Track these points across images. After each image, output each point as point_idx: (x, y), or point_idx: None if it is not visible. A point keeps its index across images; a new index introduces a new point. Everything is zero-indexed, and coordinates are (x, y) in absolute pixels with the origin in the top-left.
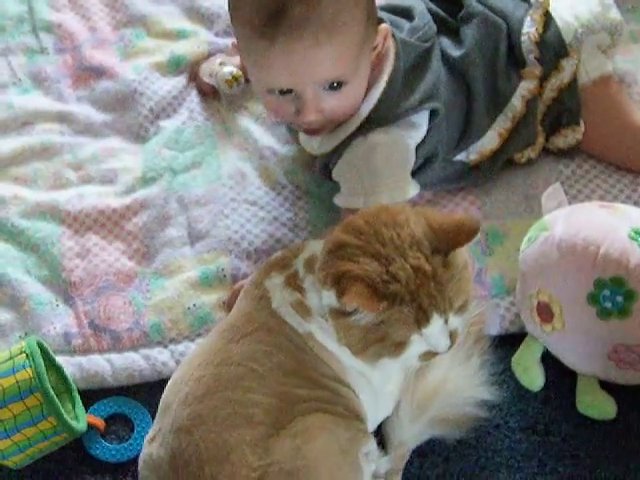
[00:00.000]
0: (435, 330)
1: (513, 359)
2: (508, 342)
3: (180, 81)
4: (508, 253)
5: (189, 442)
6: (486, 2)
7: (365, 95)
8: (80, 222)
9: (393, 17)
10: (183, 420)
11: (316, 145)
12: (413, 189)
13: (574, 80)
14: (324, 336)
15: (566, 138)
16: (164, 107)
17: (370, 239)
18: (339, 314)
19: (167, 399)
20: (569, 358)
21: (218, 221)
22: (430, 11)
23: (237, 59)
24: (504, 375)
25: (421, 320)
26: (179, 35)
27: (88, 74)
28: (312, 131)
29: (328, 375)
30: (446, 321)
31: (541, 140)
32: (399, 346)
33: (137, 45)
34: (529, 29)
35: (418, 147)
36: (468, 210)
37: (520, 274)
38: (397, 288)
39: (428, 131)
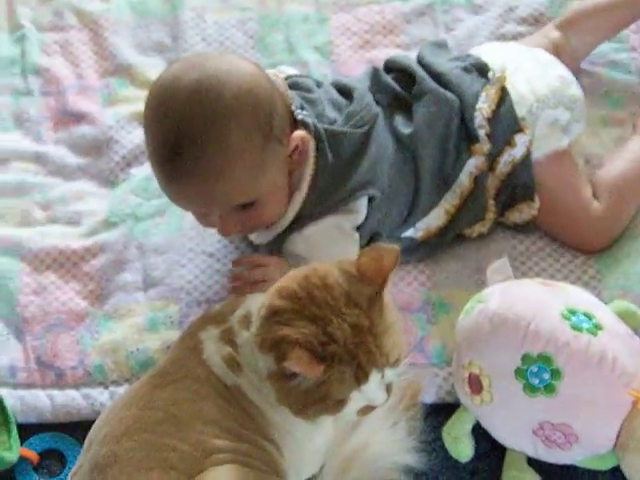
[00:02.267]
0: (373, 385)
1: (444, 428)
2: (444, 411)
3: None
4: (452, 324)
5: None
6: (440, 76)
7: (290, 197)
8: (40, 260)
9: (335, 96)
10: (100, 458)
11: (253, 237)
12: None
13: (527, 155)
14: (252, 391)
15: (521, 213)
16: (137, 155)
17: (305, 302)
18: (278, 377)
19: (90, 436)
20: (497, 432)
21: (173, 270)
22: (385, 87)
23: None
24: (434, 444)
25: (360, 378)
26: None
27: (68, 118)
28: (247, 233)
29: (250, 429)
30: (382, 375)
31: (491, 216)
32: (339, 403)
33: (120, 94)
34: (482, 104)
35: (359, 228)
36: (417, 278)
37: (456, 344)
38: (335, 349)
39: (367, 214)
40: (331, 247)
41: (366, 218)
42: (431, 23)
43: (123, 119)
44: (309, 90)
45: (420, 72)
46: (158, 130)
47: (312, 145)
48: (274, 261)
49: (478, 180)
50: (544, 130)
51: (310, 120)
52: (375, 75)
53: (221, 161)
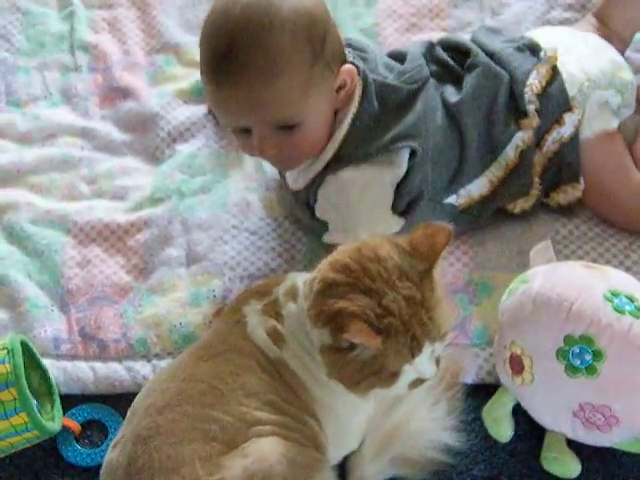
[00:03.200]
0: (425, 358)
1: (484, 409)
2: (483, 392)
3: (200, 109)
4: (494, 305)
5: (144, 451)
6: (494, 54)
7: (332, 134)
8: (85, 233)
9: (388, 61)
10: (142, 429)
11: (291, 180)
12: (395, 224)
13: (576, 135)
14: (296, 365)
15: (566, 195)
16: (182, 132)
17: (359, 275)
18: (333, 351)
19: (133, 408)
20: (537, 413)
21: (217, 246)
22: (439, 59)
23: None
24: (474, 424)
25: (414, 350)
26: None
27: (115, 94)
28: (280, 166)
29: (293, 402)
30: (433, 348)
31: (536, 192)
32: (392, 376)
33: (166, 72)
34: (533, 81)
35: (400, 185)
36: (460, 259)
37: (498, 325)
38: (391, 320)
39: (409, 170)
40: (364, 196)
41: (407, 175)
42: (477, 7)
43: (169, 96)
44: (364, 50)
45: (474, 48)
46: (213, 37)
47: (359, 88)
48: None
49: (524, 154)
50: (594, 110)
51: (361, 65)
52: (430, 47)
53: (269, 68)
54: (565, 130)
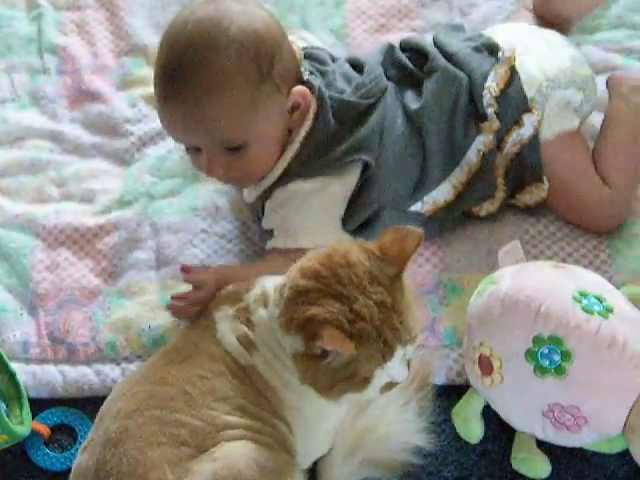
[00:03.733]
0: (397, 362)
1: (454, 410)
2: (454, 393)
3: None
4: (463, 306)
5: (113, 455)
6: (451, 56)
7: (282, 152)
8: (54, 237)
9: (347, 70)
10: (111, 433)
11: (245, 193)
12: (337, 237)
13: (535, 136)
14: (266, 370)
15: (531, 195)
16: (152, 136)
17: (329, 281)
18: (305, 357)
19: (102, 411)
20: (507, 413)
21: (186, 249)
22: (399, 63)
23: None
24: (444, 425)
25: (386, 354)
26: None
27: (84, 97)
28: (232, 184)
29: (263, 407)
30: (405, 352)
31: (501, 194)
32: (364, 381)
33: (135, 74)
34: (491, 83)
35: (356, 199)
36: (430, 260)
37: (467, 326)
38: (363, 326)
39: (364, 183)
40: (310, 205)
41: (362, 189)
42: (446, 7)
43: (138, 99)
44: (323, 63)
45: (433, 51)
46: (165, 52)
47: (313, 106)
48: (211, 276)
49: (486, 158)
50: (555, 110)
51: (316, 84)
52: (389, 51)
53: (212, 87)
54: (525, 131)
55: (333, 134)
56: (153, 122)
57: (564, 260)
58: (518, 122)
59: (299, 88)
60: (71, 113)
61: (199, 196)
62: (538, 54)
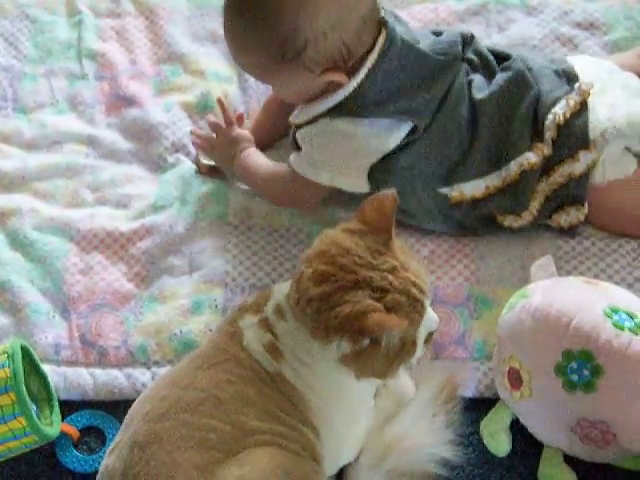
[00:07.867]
0: (428, 312)
1: (482, 423)
2: (482, 406)
3: (204, 122)
4: (494, 319)
5: (141, 458)
6: (532, 69)
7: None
8: (88, 240)
9: (427, 33)
10: (139, 436)
11: (294, 114)
12: (358, 183)
13: (586, 174)
14: (294, 377)
15: (568, 216)
16: (185, 143)
17: (341, 275)
18: (357, 355)
19: (131, 414)
20: (535, 427)
21: (219, 255)
22: (477, 50)
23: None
24: (472, 438)
25: (420, 309)
26: (212, 78)
27: (121, 103)
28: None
29: (290, 413)
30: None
31: (528, 217)
32: (412, 345)
33: (172, 82)
34: (559, 110)
35: (391, 156)
36: (462, 273)
37: (497, 339)
38: (392, 296)
39: (405, 144)
40: (347, 149)
41: (405, 153)
42: (484, 22)
43: (174, 106)
44: (405, 24)
45: (516, 55)
46: None
47: (380, 46)
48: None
49: (525, 175)
50: (613, 157)
51: (391, 21)
52: (471, 38)
53: (240, 42)
54: (577, 167)
55: (395, 81)
56: (187, 129)
57: (597, 276)
58: (573, 156)
59: (335, 74)
60: (108, 119)
61: (232, 201)
62: (612, 99)
